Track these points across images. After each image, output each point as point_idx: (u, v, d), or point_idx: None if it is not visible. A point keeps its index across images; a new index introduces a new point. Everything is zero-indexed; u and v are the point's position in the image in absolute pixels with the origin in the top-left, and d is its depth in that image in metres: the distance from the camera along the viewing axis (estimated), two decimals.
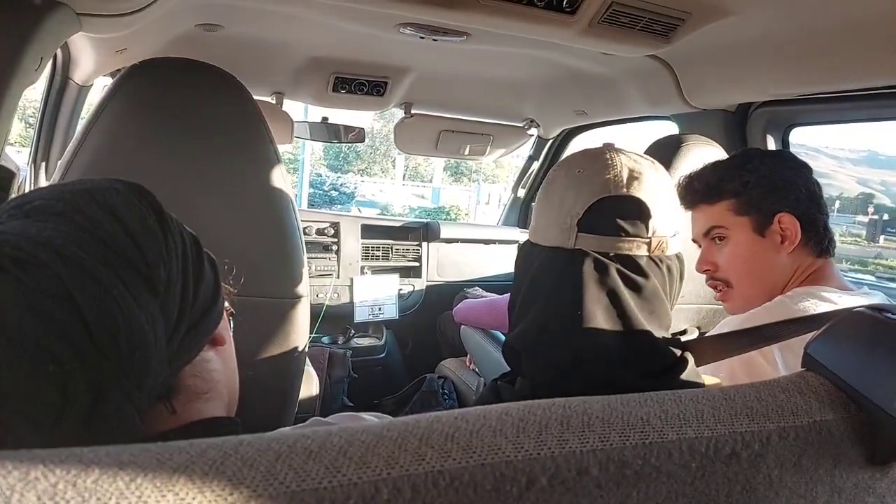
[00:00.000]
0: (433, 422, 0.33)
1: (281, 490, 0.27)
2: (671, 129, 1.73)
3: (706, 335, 0.71)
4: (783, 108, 1.47)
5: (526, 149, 2.60)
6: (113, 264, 0.38)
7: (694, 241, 1.01)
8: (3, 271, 0.34)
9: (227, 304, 0.54)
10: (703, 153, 1.19)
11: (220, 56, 1.19)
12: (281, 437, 0.30)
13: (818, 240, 0.92)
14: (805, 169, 0.96)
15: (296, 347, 1.00)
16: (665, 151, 1.18)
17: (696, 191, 0.97)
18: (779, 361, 0.80)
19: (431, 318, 2.30)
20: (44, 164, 1.62)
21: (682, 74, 1.45)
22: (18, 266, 0.34)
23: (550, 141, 2.50)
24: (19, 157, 1.58)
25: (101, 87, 1.66)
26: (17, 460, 0.25)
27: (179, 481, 0.26)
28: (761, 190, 0.92)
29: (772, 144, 1.53)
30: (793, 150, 1.60)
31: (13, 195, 0.65)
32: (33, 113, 1.79)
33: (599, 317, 0.57)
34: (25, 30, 0.74)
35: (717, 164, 0.98)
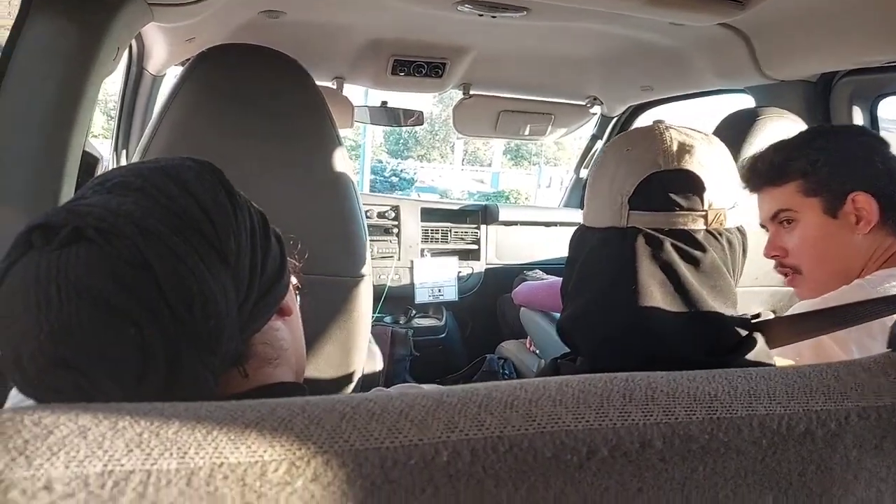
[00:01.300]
0: (492, 390, 0.33)
1: (346, 448, 0.28)
2: (746, 102, 1.63)
3: (781, 316, 0.67)
4: (871, 77, 1.36)
5: (588, 128, 2.54)
6: (187, 236, 0.40)
7: (762, 225, 0.97)
8: (88, 240, 0.36)
9: (294, 279, 0.56)
10: (781, 127, 1.12)
11: (282, 42, 1.22)
12: (346, 399, 0.31)
13: None
14: (881, 143, 0.89)
15: (359, 324, 1.02)
16: (739, 126, 1.12)
17: (760, 173, 0.92)
18: (853, 345, 0.75)
19: (491, 300, 2.30)
20: (124, 151, 1.73)
21: (759, 43, 1.36)
22: (101, 235, 0.37)
23: (615, 119, 2.42)
24: (103, 147, 1.70)
25: (172, 76, 1.75)
26: (107, 411, 0.27)
27: (251, 435, 0.27)
28: (832, 168, 0.86)
29: (858, 117, 1.42)
30: (882, 123, 1.49)
31: None
32: (114, 106, 1.90)
33: (655, 292, 0.56)
34: (101, 21, 0.79)
35: (781, 144, 0.93)
